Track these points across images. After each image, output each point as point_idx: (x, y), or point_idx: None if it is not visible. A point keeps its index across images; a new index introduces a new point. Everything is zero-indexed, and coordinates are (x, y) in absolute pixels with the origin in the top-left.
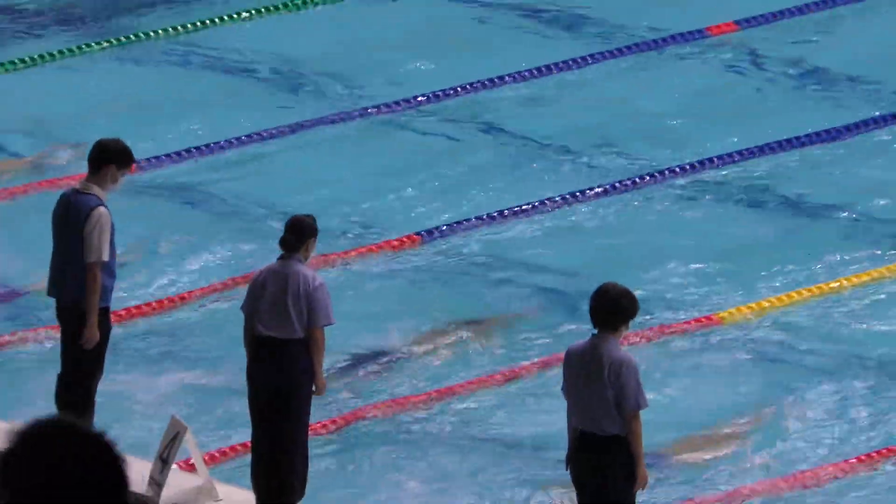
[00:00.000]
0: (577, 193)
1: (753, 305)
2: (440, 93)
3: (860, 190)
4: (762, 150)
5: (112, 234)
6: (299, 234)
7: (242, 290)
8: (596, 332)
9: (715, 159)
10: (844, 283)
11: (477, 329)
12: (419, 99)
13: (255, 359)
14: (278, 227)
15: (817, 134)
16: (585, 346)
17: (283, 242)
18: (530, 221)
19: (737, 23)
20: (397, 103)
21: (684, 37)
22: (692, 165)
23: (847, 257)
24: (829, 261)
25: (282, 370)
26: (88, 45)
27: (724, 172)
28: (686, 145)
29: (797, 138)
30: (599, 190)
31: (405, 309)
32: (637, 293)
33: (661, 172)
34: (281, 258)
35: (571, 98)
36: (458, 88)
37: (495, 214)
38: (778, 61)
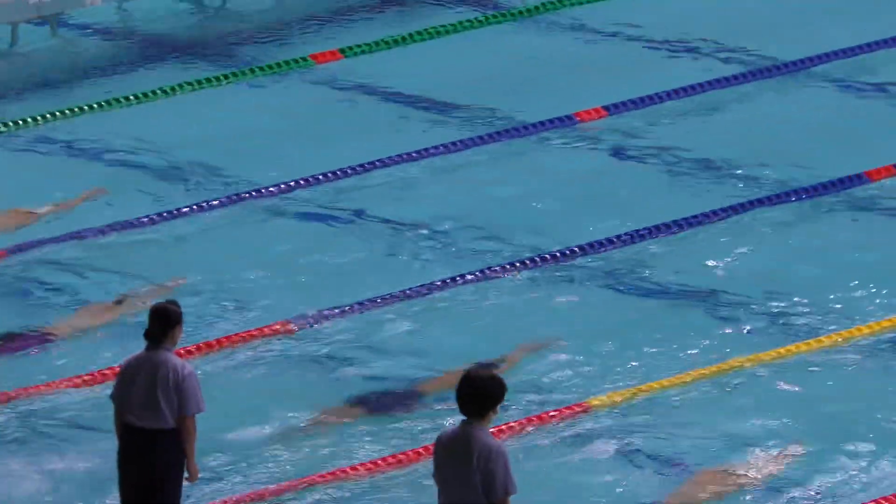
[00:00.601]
0: (448, 280)
1: (625, 392)
2: (311, 178)
3: (731, 272)
4: (632, 236)
5: None
6: (164, 323)
7: None
8: (465, 419)
9: (586, 246)
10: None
11: (349, 415)
12: (291, 184)
13: (126, 448)
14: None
15: (686, 219)
16: (455, 434)
17: (149, 334)
18: (400, 309)
19: (605, 108)
20: (269, 189)
21: (553, 122)
22: (563, 253)
23: (713, 342)
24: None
25: (154, 461)
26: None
27: (590, 259)
28: (556, 231)
29: (665, 225)
30: (471, 277)
31: (276, 397)
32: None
33: (534, 259)
34: (147, 348)
35: (440, 183)
36: (330, 174)
37: (365, 302)
38: (648, 147)
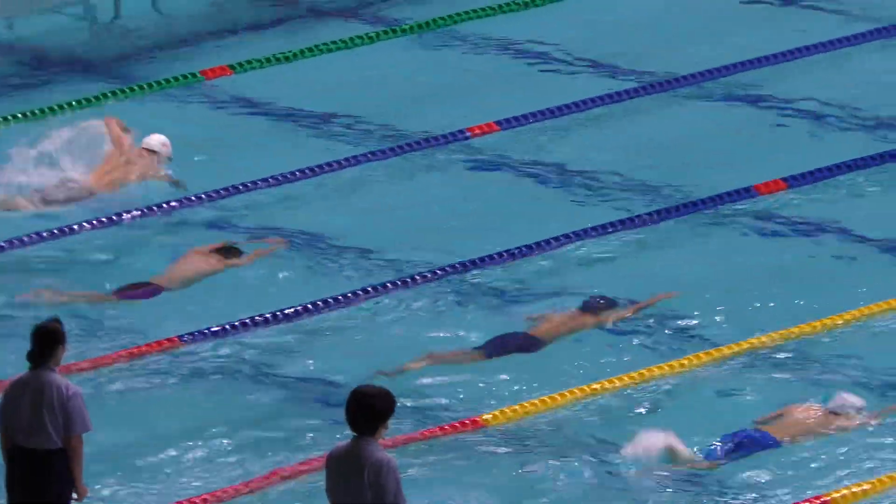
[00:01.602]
0: (330, 300)
1: (517, 407)
2: (204, 195)
3: (622, 286)
4: (519, 251)
5: None
6: (47, 344)
7: None
8: (355, 434)
9: (478, 261)
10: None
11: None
12: (184, 200)
13: (13, 470)
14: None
15: (566, 236)
16: (346, 449)
17: (31, 356)
18: (300, 325)
19: (498, 123)
20: (170, 204)
21: (446, 137)
22: (454, 266)
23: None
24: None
25: (41, 482)
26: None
27: (475, 273)
28: (450, 248)
29: (546, 241)
30: (359, 293)
31: (168, 414)
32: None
33: (427, 274)
34: (31, 369)
35: (332, 198)
36: (222, 190)
37: (256, 318)
38: (540, 162)
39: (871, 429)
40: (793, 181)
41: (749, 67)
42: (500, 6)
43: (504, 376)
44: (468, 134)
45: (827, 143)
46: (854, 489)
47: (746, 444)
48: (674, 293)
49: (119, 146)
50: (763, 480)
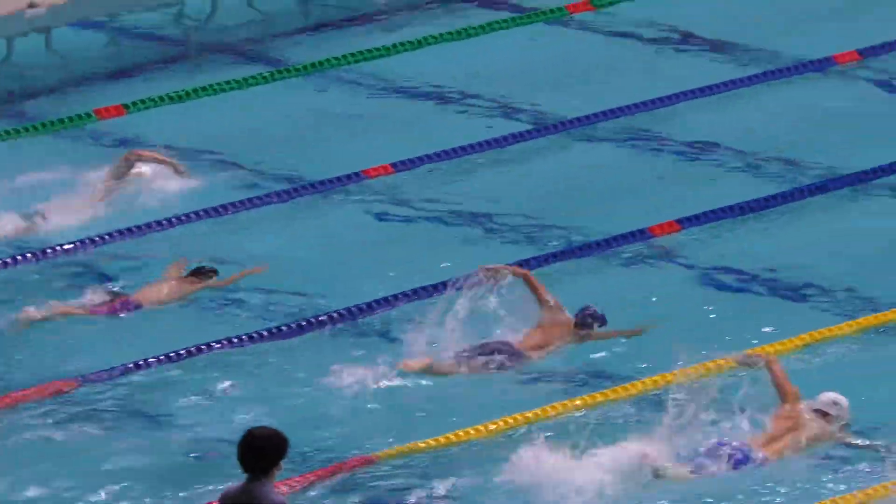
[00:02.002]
0: (235, 339)
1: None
2: (97, 237)
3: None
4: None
5: None
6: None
7: None
8: (249, 475)
9: (364, 306)
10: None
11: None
12: (87, 240)
13: None
14: None
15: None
16: (239, 490)
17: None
18: (191, 364)
19: (393, 165)
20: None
21: (341, 180)
22: (341, 313)
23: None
24: None
25: None
26: None
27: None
28: (334, 290)
29: (433, 286)
30: (257, 334)
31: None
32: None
33: (314, 319)
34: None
35: (228, 241)
36: (115, 233)
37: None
38: (434, 203)
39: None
40: (687, 222)
41: (643, 109)
42: (393, 46)
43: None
44: (364, 176)
45: (721, 184)
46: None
47: (736, 459)
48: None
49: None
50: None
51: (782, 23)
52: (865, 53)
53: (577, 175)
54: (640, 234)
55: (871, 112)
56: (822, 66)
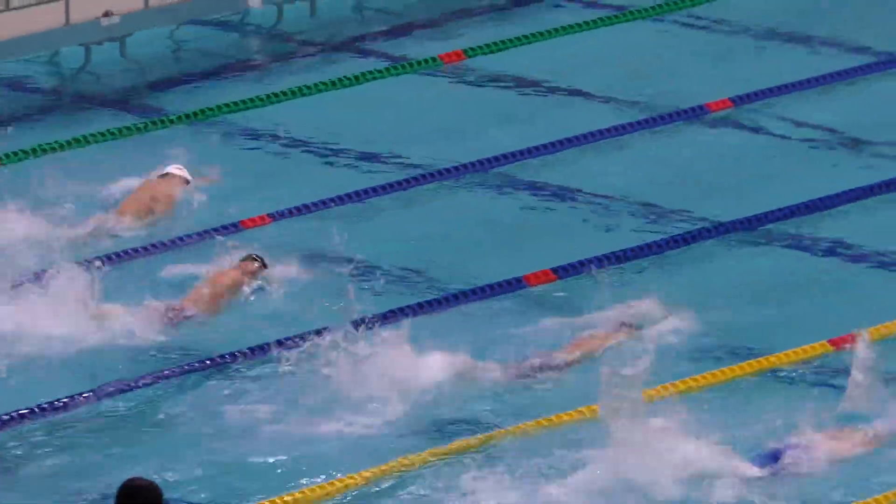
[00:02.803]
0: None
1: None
2: None
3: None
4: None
5: None
6: None
7: None
8: None
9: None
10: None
11: None
12: None
13: None
14: None
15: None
16: None
17: None
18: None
19: (270, 216)
20: None
21: (218, 230)
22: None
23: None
24: None
25: None
26: None
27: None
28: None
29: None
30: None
31: None
32: None
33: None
34: None
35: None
36: None
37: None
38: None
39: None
40: (562, 272)
41: (513, 160)
42: (267, 96)
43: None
44: (242, 227)
45: (595, 233)
46: None
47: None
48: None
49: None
50: None
51: (659, 70)
52: (738, 101)
53: (452, 222)
54: (517, 283)
55: (744, 158)
56: (695, 113)
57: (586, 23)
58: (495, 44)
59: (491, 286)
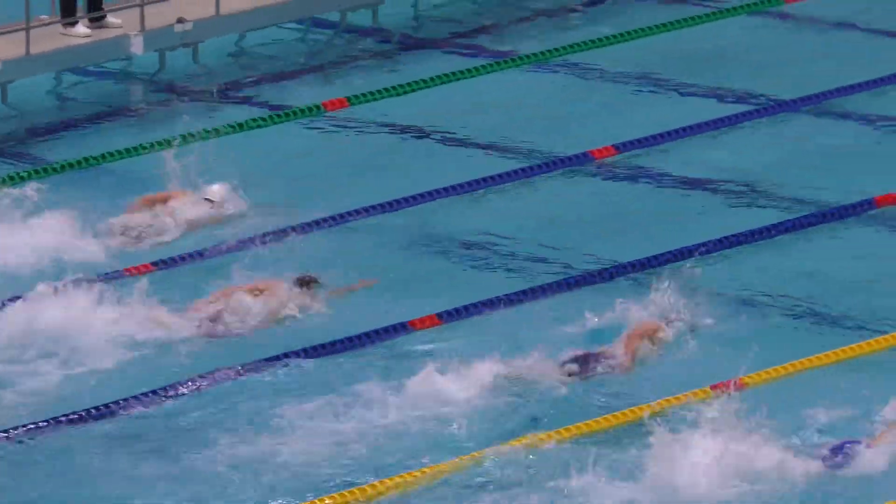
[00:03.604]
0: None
1: None
2: None
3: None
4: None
5: None
6: None
7: None
8: None
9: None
10: None
11: None
12: None
13: None
14: None
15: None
16: None
17: None
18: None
19: (154, 264)
20: None
21: (106, 275)
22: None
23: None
24: None
25: None
26: None
27: None
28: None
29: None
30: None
31: None
32: None
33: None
34: None
35: None
36: None
37: None
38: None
39: None
40: (447, 316)
41: (398, 207)
42: (150, 144)
43: None
44: (125, 274)
45: (483, 281)
46: None
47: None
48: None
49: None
50: None
51: (541, 120)
52: (622, 148)
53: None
54: (402, 328)
55: (629, 205)
56: (580, 160)
57: (468, 70)
58: (378, 91)
59: (377, 331)
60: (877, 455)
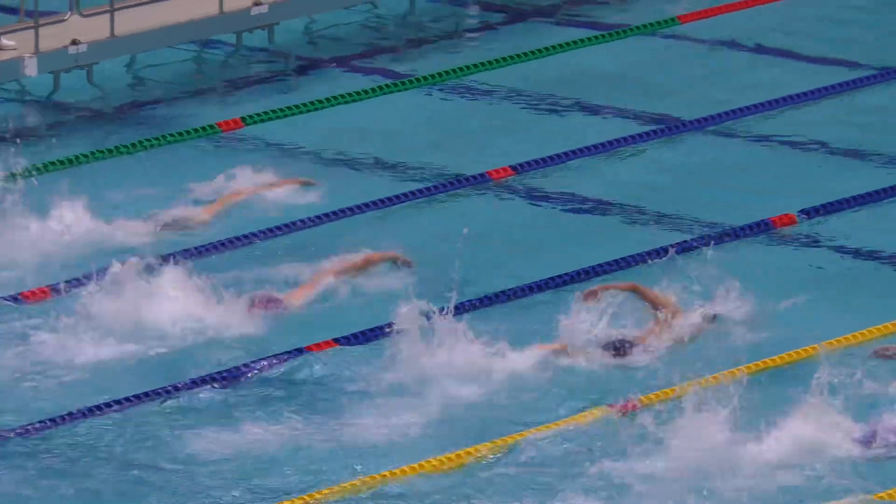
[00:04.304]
0: None
1: None
2: None
3: None
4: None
5: None
6: None
7: None
8: None
9: None
10: None
11: None
12: None
13: None
14: None
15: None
16: None
17: None
18: None
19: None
20: None
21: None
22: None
23: None
24: None
25: None
26: None
27: None
28: None
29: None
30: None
31: None
32: None
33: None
34: None
35: None
36: None
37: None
38: None
39: None
40: (343, 340)
41: (302, 227)
42: (44, 165)
43: None
44: (22, 301)
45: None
46: None
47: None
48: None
49: None
50: None
51: (438, 141)
52: (519, 169)
53: None
54: (298, 353)
55: (525, 225)
56: (478, 181)
57: (364, 91)
58: (273, 111)
59: (270, 359)
60: None
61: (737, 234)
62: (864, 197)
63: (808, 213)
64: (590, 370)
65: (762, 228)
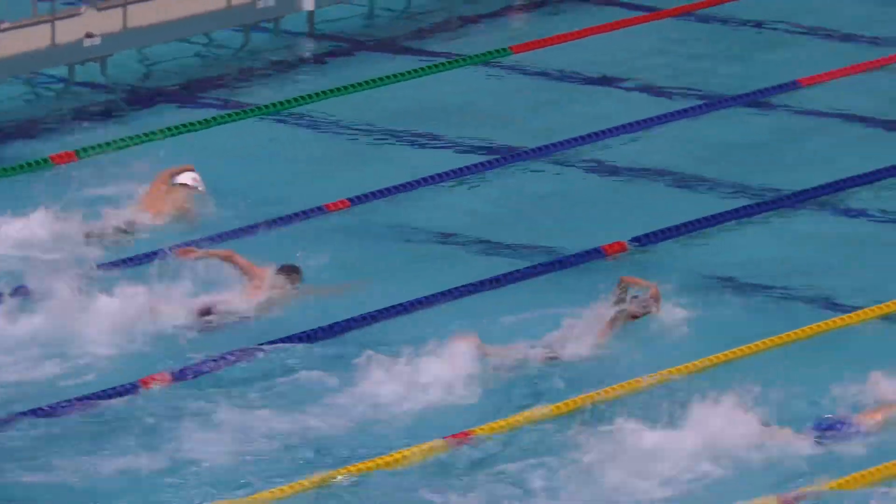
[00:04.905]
0: None
1: None
2: None
3: None
4: None
5: None
6: None
7: None
8: None
9: None
10: None
11: None
12: None
13: None
14: None
15: None
16: None
17: None
18: None
19: None
20: None
21: None
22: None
23: None
24: None
25: None
26: None
27: None
28: None
29: None
30: None
31: None
32: None
33: None
34: None
35: None
36: None
37: None
38: None
39: None
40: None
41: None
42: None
43: None
44: None
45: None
46: None
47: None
48: None
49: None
50: None
51: (275, 172)
52: (356, 201)
53: None
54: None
55: (366, 256)
56: (315, 213)
57: (200, 122)
58: (108, 143)
59: None
60: (865, 432)
61: (570, 262)
62: (694, 223)
63: (640, 240)
64: None
65: (593, 256)
